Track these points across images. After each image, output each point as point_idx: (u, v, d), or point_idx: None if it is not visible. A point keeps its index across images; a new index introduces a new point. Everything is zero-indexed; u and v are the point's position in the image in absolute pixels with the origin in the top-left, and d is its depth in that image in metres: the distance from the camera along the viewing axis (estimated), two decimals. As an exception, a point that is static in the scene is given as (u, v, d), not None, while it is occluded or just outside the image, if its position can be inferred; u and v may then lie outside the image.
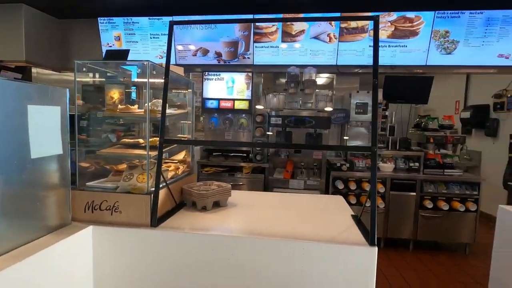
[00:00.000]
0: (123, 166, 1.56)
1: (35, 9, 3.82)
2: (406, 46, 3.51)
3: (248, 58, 3.80)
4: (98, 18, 3.93)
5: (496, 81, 4.24)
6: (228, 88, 3.34)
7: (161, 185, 1.44)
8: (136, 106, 1.60)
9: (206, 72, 3.36)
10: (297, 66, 3.29)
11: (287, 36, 3.66)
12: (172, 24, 1.38)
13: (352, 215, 1.59)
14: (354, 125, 3.53)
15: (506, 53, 3.37)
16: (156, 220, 1.33)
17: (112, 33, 3.96)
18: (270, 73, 3.99)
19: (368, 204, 1.35)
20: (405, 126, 4.61)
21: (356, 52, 3.61)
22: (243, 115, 3.46)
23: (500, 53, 3.38)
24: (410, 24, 3.44)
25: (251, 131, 3.47)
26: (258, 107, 3.54)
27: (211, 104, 3.37)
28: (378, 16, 1.20)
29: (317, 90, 3.21)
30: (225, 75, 3.33)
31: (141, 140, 1.56)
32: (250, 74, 3.29)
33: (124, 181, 1.41)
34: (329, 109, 3.12)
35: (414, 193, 3.20)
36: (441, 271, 2.86)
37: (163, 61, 3.86)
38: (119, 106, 1.56)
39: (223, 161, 3.51)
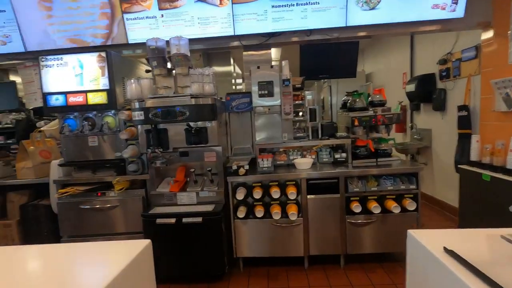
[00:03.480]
0: None
1: None
2: (318, 3, 2.69)
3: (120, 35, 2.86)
4: None
5: (441, 44, 3.55)
6: (76, 77, 2.40)
7: None
8: None
9: (43, 57, 2.39)
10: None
11: (164, 1, 2.75)
12: None
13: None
14: (261, 112, 2.71)
15: (442, 3, 2.63)
16: None
17: None
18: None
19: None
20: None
21: (257, 16, 2.76)
22: (111, 112, 2.55)
23: (435, 3, 2.64)
24: (318, -27, 2.62)
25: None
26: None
27: (56, 101, 2.43)
28: None
29: (198, 70, 2.33)
30: (69, 58, 2.38)
31: None
32: (103, 54, 2.36)
33: None
34: (209, 93, 2.25)
35: (338, 195, 2.44)
36: (374, 297, 2.14)
37: (6, 49, 2.82)
38: None
39: (92, 177, 2.61)
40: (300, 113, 2.97)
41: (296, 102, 2.82)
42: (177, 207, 2.45)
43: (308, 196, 2.44)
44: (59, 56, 2.38)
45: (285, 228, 2.45)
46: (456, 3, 2.61)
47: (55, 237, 2.62)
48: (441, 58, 3.51)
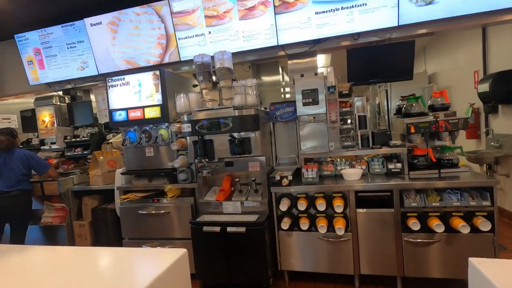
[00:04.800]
0: None
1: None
2: (365, 4, 2.54)
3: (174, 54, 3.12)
4: (15, 36, 3.55)
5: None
6: (135, 94, 2.68)
7: None
8: None
9: (109, 78, 2.73)
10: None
11: (211, 17, 2.91)
12: None
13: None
14: (306, 121, 2.64)
15: (519, -13, 2.25)
16: None
17: (31, 49, 3.54)
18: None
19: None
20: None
21: (301, 24, 2.73)
22: (165, 124, 2.76)
23: (510, -12, 2.27)
24: (365, -28, 2.48)
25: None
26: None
27: (120, 116, 2.73)
28: None
29: (241, 82, 2.38)
30: (131, 78, 2.67)
31: None
32: (157, 72, 2.59)
33: None
34: (251, 104, 2.28)
35: (392, 210, 2.21)
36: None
37: (84, 73, 3.30)
38: None
39: (148, 184, 2.84)
40: (349, 121, 2.81)
41: (344, 109, 2.67)
42: (223, 216, 2.50)
43: (358, 210, 2.26)
44: (122, 76, 2.69)
45: (333, 243, 2.31)
46: (540, -15, 2.21)
47: (119, 238, 2.91)
48: (523, 51, 2.98)
